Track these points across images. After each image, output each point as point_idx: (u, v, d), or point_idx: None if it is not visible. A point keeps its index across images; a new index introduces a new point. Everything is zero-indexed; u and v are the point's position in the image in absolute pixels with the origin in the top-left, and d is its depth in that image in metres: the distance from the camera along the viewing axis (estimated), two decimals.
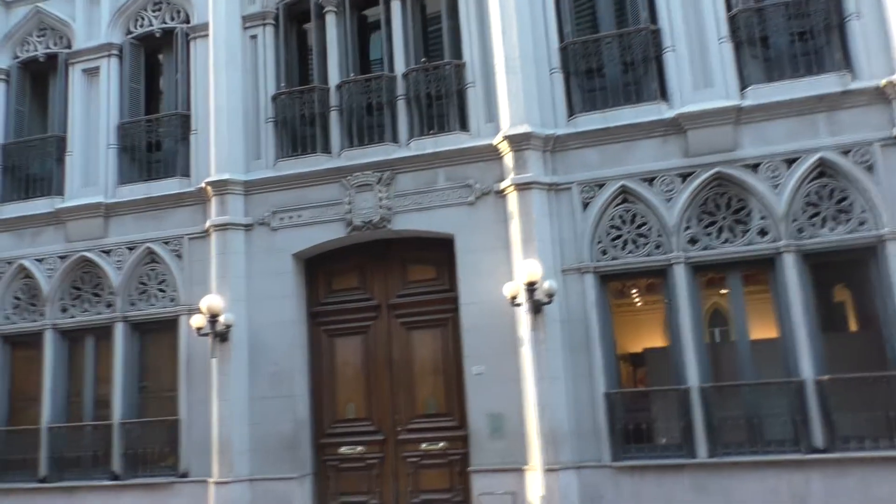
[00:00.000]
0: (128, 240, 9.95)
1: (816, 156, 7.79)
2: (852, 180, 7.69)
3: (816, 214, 7.81)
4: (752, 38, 8.29)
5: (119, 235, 10.00)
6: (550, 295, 7.95)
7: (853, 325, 7.89)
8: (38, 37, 11.08)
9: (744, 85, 8.20)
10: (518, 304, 8.02)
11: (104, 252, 10.02)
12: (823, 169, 7.82)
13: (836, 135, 7.79)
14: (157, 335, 9.85)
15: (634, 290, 8.96)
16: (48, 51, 10.97)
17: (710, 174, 8.08)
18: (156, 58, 10.92)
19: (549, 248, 8.33)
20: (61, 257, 10.17)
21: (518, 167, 8.48)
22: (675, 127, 8.23)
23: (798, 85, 7.98)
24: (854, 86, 7.79)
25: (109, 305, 9.92)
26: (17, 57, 11.12)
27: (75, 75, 10.64)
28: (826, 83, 7.88)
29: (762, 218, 7.93)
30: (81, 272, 10.12)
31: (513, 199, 8.49)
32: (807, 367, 7.51)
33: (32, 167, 10.72)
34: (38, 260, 10.26)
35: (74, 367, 10.09)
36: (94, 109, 10.48)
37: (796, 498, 7.33)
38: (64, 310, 10.11)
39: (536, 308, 7.98)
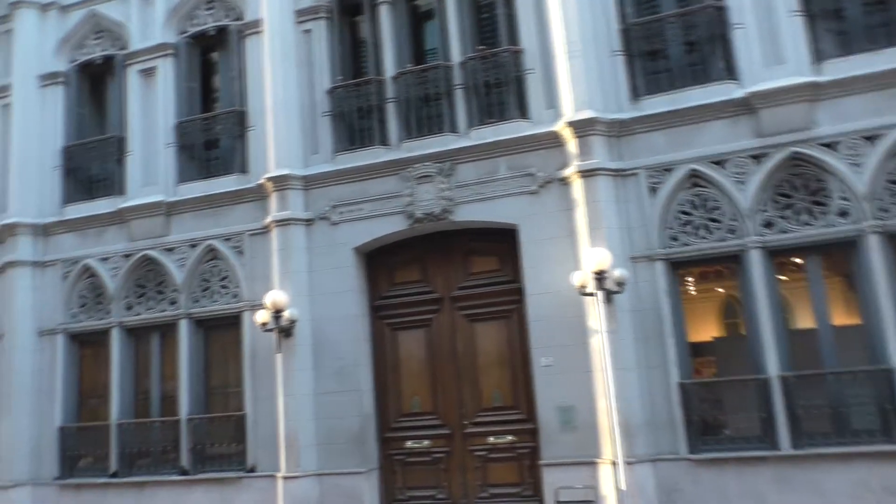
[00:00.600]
0: (189, 237, 10.03)
1: None
2: None
3: None
4: (826, 9, 7.93)
5: (180, 233, 10.09)
6: (621, 283, 7.75)
7: None
8: (95, 39, 11.23)
9: (818, 60, 7.85)
10: (588, 294, 7.84)
11: (167, 250, 10.12)
12: None
13: None
14: (220, 331, 9.91)
15: (708, 277, 8.67)
16: (105, 53, 11.11)
17: (785, 155, 7.77)
18: (210, 56, 10.97)
19: (617, 236, 8.12)
20: (125, 256, 10.31)
21: (582, 154, 8.28)
22: (746, 107, 7.93)
23: (877, 58, 7.60)
24: None
25: (173, 303, 10.01)
26: (74, 60, 11.29)
27: (132, 76, 10.75)
28: None
29: (843, 199, 7.59)
30: (145, 270, 10.24)
31: (578, 186, 8.30)
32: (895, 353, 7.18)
33: (94, 168, 10.89)
34: (102, 259, 10.42)
35: (140, 364, 10.24)
36: (151, 109, 10.57)
37: (888, 490, 7.02)
38: (129, 308, 10.25)
39: (607, 297, 7.79)
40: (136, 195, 10.35)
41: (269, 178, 9.46)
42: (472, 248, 9.21)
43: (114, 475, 9.79)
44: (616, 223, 8.16)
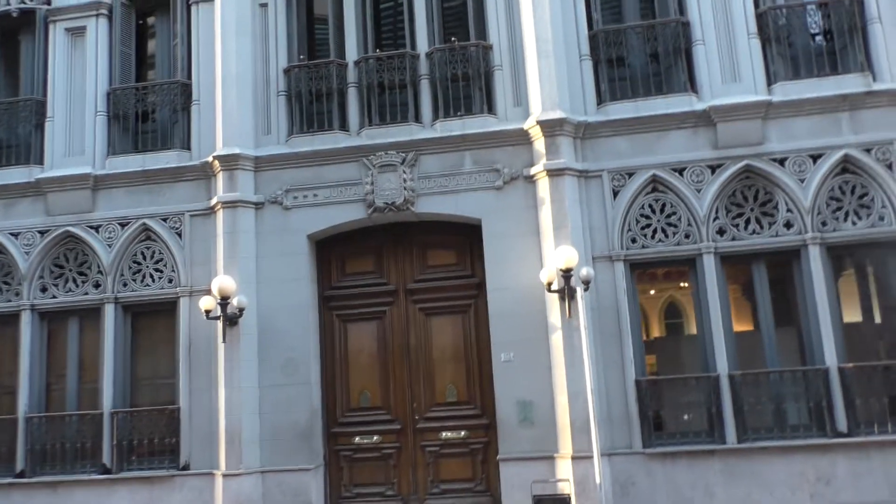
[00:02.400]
0: (120, 215, 9.22)
1: (841, 152, 8.09)
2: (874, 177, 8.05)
3: (839, 209, 8.11)
4: (779, 36, 8.52)
5: (109, 210, 9.26)
6: (587, 282, 7.92)
7: (876, 316, 8.25)
8: None
9: (770, 81, 8.41)
10: (555, 291, 7.95)
11: (92, 227, 9.25)
12: (846, 165, 8.14)
13: (859, 133, 8.11)
14: (152, 318, 9.21)
15: (664, 278, 9.04)
16: (23, 6, 9.99)
17: (740, 166, 8.25)
18: (146, 20, 10.17)
19: (581, 236, 8.29)
20: (41, 232, 9.33)
21: (550, 153, 8.40)
22: (706, 119, 8.36)
23: (823, 84, 8.25)
24: (876, 87, 8.12)
25: (98, 286, 9.17)
26: None
27: (57, 34, 9.75)
28: (849, 83, 8.19)
29: (788, 211, 8.17)
30: (65, 249, 9.32)
31: (544, 184, 8.40)
32: (830, 356, 7.80)
33: (2, 132, 9.75)
34: (12, 234, 9.36)
35: (56, 352, 9.29)
36: (79, 73, 9.64)
37: (822, 480, 7.61)
38: (44, 289, 9.27)
39: (571, 295, 7.94)
40: (58, 165, 9.40)
41: (218, 157, 8.89)
42: (430, 241, 9.09)
43: (20, 475, 8.81)
44: (580, 223, 8.33)
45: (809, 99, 8.20)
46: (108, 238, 9.19)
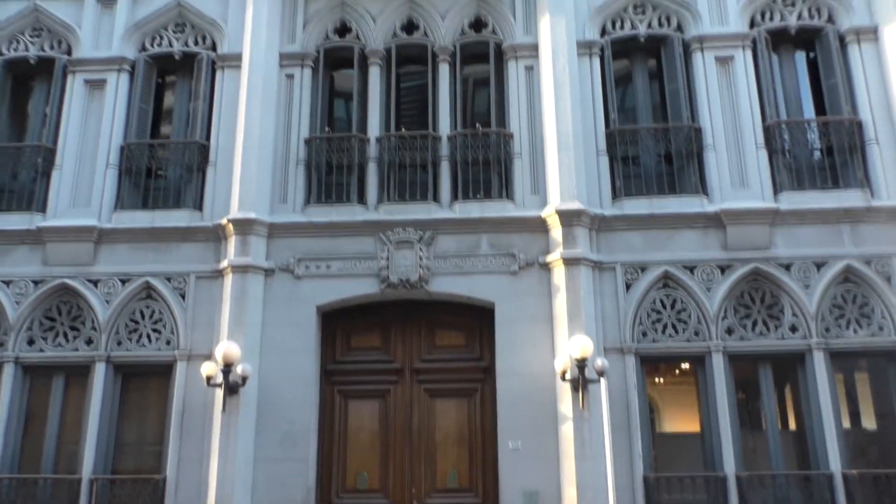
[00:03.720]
0: (122, 271, 8.94)
1: (843, 263, 8.46)
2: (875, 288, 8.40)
3: (842, 316, 8.40)
4: (784, 148, 9.01)
5: (111, 265, 8.97)
6: (602, 373, 7.94)
7: (878, 423, 8.44)
8: (32, 37, 10.04)
9: (777, 189, 8.82)
10: (568, 380, 7.94)
11: (90, 281, 8.92)
12: (848, 275, 8.49)
13: (860, 245, 8.51)
14: (143, 380, 8.83)
15: (672, 373, 9.11)
16: (42, 53, 9.94)
17: (748, 269, 8.53)
18: (165, 79, 10.18)
19: (594, 326, 8.36)
20: (35, 282, 8.95)
21: (567, 242, 8.55)
22: (716, 221, 8.67)
23: (825, 196, 8.70)
24: (875, 203, 8.59)
25: (90, 342, 8.78)
26: (1, 53, 9.97)
27: (75, 84, 9.68)
28: (850, 198, 8.64)
29: (794, 315, 8.42)
30: (59, 301, 8.94)
31: (559, 272, 8.51)
32: (834, 461, 7.90)
33: (5, 176, 9.48)
34: (4, 282, 8.96)
35: (35, 408, 8.75)
36: (93, 124, 9.52)
37: None
38: (31, 342, 8.82)
39: (584, 385, 7.94)
40: (62, 215, 9.13)
41: (232, 220, 8.78)
42: (439, 321, 9.02)
43: None
44: (593, 313, 8.42)
45: (814, 210, 8.62)
46: (107, 294, 8.88)
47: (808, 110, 9.42)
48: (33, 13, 10.03)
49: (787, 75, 9.56)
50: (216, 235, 8.95)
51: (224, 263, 8.74)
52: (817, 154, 9.09)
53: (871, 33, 9.23)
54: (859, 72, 9.16)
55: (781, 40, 9.59)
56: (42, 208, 9.26)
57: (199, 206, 9.19)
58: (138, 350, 8.75)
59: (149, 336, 8.81)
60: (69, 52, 9.91)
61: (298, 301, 8.74)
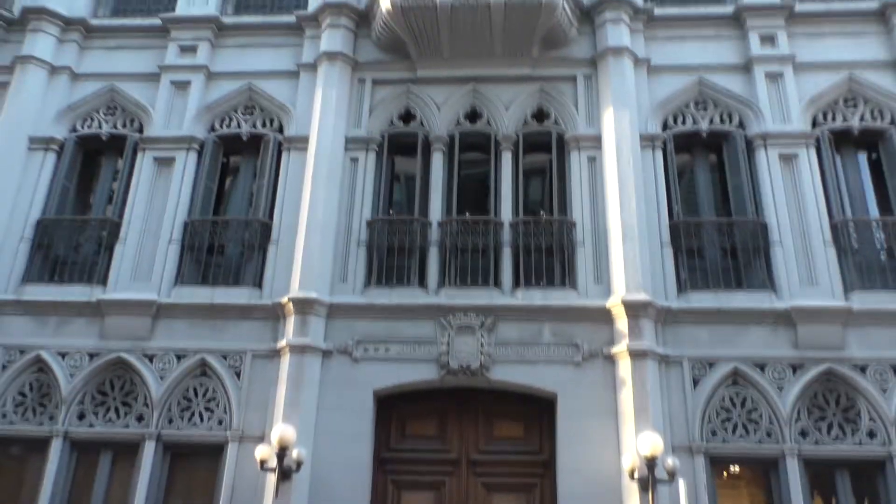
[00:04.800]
0: (178, 346, 8.85)
1: None
2: None
3: None
4: (852, 246, 8.87)
5: (168, 340, 8.90)
6: (672, 473, 7.58)
7: None
8: (106, 115, 10.37)
9: (847, 288, 8.64)
10: (637, 479, 7.58)
11: (146, 356, 8.83)
12: None
13: None
14: (193, 461, 8.55)
15: (743, 476, 8.68)
16: (114, 131, 10.23)
17: (822, 369, 8.24)
18: (230, 159, 10.40)
19: (661, 422, 8.05)
20: (91, 355, 8.87)
21: (633, 334, 8.37)
22: (786, 318, 8.46)
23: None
24: None
25: (141, 419, 8.60)
26: (75, 130, 10.29)
27: (145, 161, 9.90)
28: None
29: (871, 419, 8.07)
30: (113, 375, 8.82)
31: (625, 365, 8.29)
32: None
33: (68, 249, 9.58)
34: (60, 353, 8.89)
35: (80, 486, 8.48)
36: (159, 200, 9.66)
37: None
38: (81, 416, 8.66)
39: (654, 485, 7.56)
40: (122, 289, 9.14)
41: (292, 299, 8.72)
42: (498, 411, 8.75)
43: None
44: (660, 409, 8.13)
45: (889, 310, 8.39)
46: (162, 370, 8.76)
47: (873, 209, 9.36)
48: (109, 93, 10.40)
49: (850, 174, 9.55)
50: (275, 314, 8.88)
51: (282, 343, 8.62)
52: (883, 254, 8.95)
53: None
54: None
55: (844, 140, 9.63)
56: (103, 281, 9.29)
57: (258, 283, 9.17)
58: (190, 429, 8.54)
59: (201, 415, 8.62)
60: (140, 130, 10.20)
61: (355, 384, 8.55)
